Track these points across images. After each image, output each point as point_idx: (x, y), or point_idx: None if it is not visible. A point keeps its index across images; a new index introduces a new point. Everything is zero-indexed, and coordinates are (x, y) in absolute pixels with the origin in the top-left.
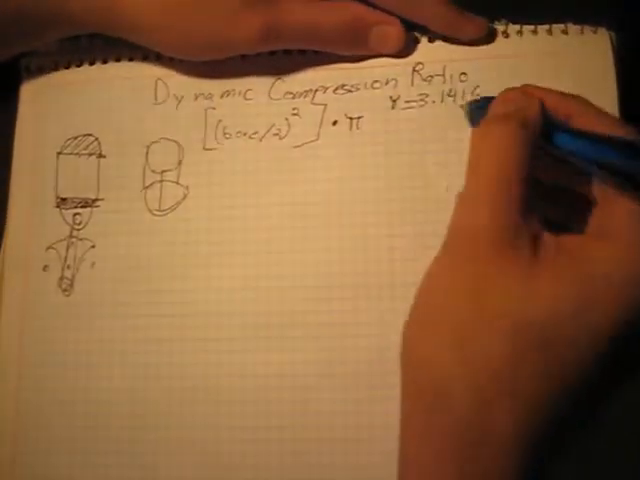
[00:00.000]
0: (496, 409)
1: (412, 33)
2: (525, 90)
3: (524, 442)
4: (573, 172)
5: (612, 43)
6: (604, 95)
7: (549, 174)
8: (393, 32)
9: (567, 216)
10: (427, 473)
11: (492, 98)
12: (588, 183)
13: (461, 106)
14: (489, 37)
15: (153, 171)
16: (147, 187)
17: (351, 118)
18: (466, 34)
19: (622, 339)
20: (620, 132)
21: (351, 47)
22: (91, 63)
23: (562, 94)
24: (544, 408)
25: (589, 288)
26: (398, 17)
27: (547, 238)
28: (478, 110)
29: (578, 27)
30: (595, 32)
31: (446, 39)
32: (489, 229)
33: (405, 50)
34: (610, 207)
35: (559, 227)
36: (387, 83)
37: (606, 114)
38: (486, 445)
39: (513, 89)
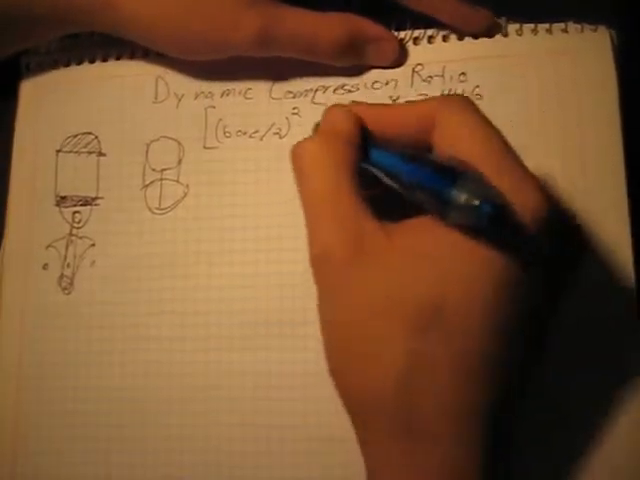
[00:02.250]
0: (422, 406)
1: (411, 35)
2: (346, 107)
3: (464, 424)
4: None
5: (612, 42)
6: (604, 94)
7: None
8: (389, 48)
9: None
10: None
11: None
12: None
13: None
14: (492, 31)
15: (153, 169)
16: (147, 185)
17: None
18: (473, 25)
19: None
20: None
21: (346, 61)
22: (91, 61)
23: (387, 108)
24: (469, 384)
25: (458, 252)
26: (405, 7)
27: (400, 226)
28: None
29: (578, 26)
30: (595, 31)
31: (446, 39)
32: (336, 248)
33: (401, 58)
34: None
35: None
36: (387, 84)
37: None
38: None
39: (336, 106)
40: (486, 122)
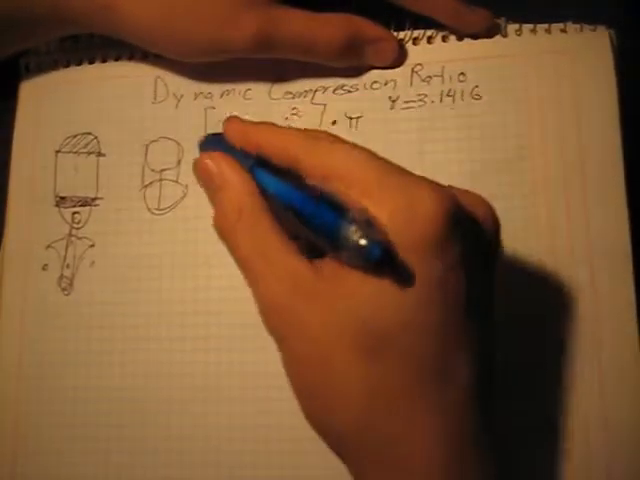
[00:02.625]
0: (390, 428)
1: (410, 36)
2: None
3: (438, 435)
4: None
5: (611, 42)
6: (603, 94)
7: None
8: (389, 48)
9: None
10: None
11: (220, 134)
12: None
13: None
14: (491, 31)
15: (152, 170)
16: (146, 186)
17: (350, 118)
18: (471, 25)
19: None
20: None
21: (345, 61)
22: (90, 62)
23: (284, 135)
24: (436, 391)
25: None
26: (402, 7)
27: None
28: (207, 146)
29: (577, 26)
30: (594, 31)
31: (445, 39)
32: (274, 297)
33: (400, 58)
34: None
35: None
36: (386, 84)
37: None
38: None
39: (203, 159)
40: (351, 144)
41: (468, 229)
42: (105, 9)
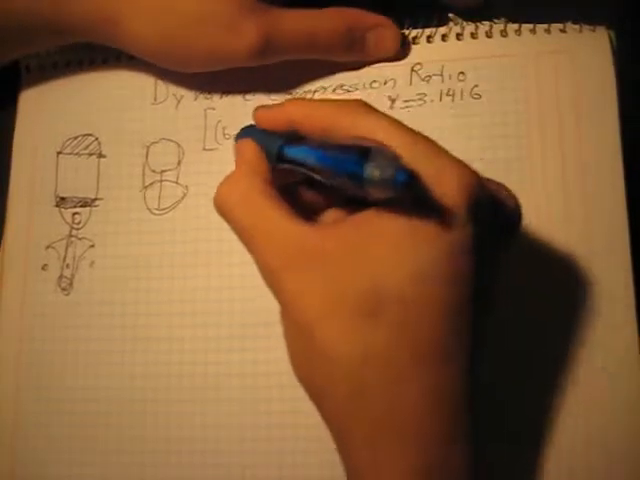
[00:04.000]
0: (380, 396)
1: (409, 35)
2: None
3: (428, 407)
4: None
5: (611, 42)
6: (603, 94)
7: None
8: (389, 34)
9: None
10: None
11: (252, 125)
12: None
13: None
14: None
15: (153, 171)
16: (147, 187)
17: None
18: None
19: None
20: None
21: (349, 53)
22: (91, 63)
23: (316, 104)
24: (425, 367)
25: (391, 241)
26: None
27: (336, 224)
28: (241, 137)
29: (577, 26)
30: (594, 31)
31: (444, 38)
32: (277, 262)
33: (403, 51)
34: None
35: None
36: (385, 83)
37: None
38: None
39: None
40: (391, 118)
41: (486, 210)
42: (106, 23)
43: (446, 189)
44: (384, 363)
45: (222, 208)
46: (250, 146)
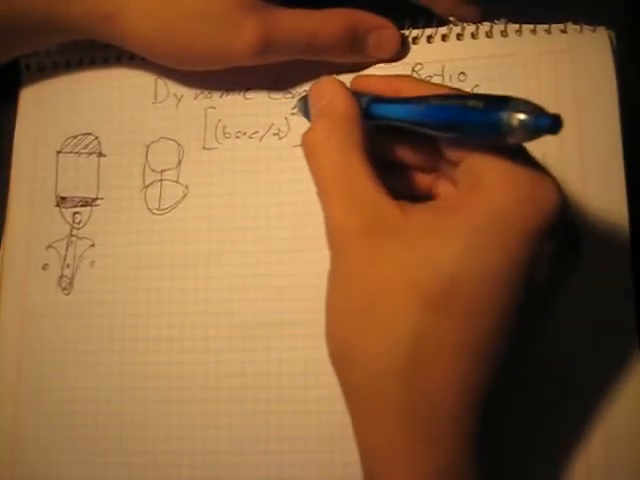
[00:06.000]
0: (428, 380)
1: (409, 35)
2: (333, 82)
3: (469, 404)
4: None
5: (611, 42)
6: (603, 94)
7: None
8: (389, 36)
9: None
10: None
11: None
12: (429, 150)
13: (294, 107)
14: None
15: (153, 170)
16: (147, 186)
17: None
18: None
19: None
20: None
21: (349, 55)
22: (91, 62)
23: (390, 77)
24: (474, 364)
25: (477, 234)
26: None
27: (416, 206)
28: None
29: (577, 26)
30: (594, 31)
31: (445, 38)
32: (352, 222)
33: (403, 51)
34: (470, 160)
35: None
36: None
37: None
38: (435, 420)
39: (322, 80)
40: None
41: (564, 227)
42: (105, 20)
43: (539, 203)
44: (435, 350)
45: (311, 149)
46: (344, 91)
